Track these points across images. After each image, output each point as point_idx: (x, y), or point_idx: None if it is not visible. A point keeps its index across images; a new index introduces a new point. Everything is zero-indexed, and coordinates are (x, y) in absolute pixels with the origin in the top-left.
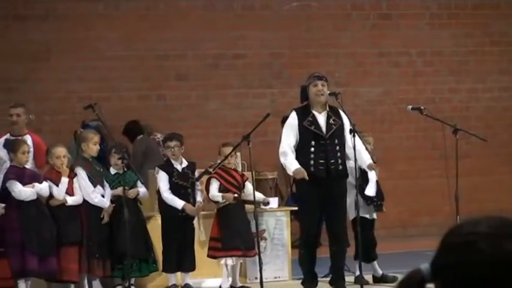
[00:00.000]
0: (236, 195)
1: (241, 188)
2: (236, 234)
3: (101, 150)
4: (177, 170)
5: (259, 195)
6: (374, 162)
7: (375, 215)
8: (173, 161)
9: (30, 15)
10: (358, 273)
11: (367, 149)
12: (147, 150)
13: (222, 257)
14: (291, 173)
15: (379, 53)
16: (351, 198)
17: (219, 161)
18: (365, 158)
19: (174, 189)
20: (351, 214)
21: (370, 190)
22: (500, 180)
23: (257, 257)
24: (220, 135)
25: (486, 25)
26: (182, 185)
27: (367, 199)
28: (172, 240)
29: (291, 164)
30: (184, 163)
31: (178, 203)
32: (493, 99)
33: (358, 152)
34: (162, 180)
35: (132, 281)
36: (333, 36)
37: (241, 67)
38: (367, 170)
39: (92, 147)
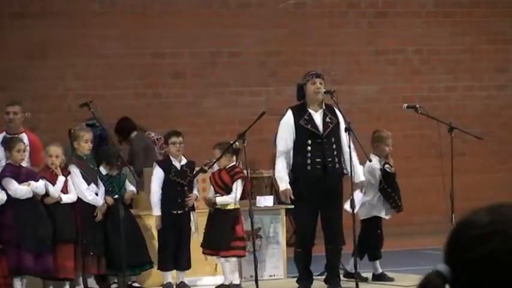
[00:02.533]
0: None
1: (228, 189)
2: (211, 235)
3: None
4: (175, 167)
5: (221, 199)
6: (388, 164)
7: (389, 216)
8: (172, 158)
9: (26, 12)
10: (352, 269)
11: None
12: (146, 148)
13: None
14: (279, 187)
15: (375, 51)
16: (369, 196)
17: (214, 160)
18: (357, 173)
19: (170, 186)
20: (366, 212)
21: (347, 205)
22: (495, 179)
23: (252, 255)
24: (216, 133)
25: (482, 23)
26: (179, 183)
27: (392, 201)
28: (167, 238)
29: (281, 180)
30: (184, 161)
31: (155, 211)
32: (489, 98)
33: (353, 165)
34: (155, 177)
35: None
36: (329, 34)
37: (237, 65)
38: (355, 186)
39: (83, 145)
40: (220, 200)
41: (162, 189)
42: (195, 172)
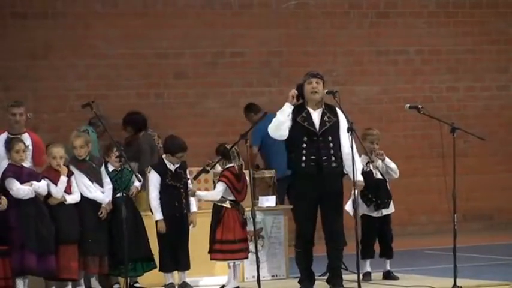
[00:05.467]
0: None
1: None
2: None
3: None
4: (170, 170)
5: (200, 193)
6: (372, 161)
7: (383, 212)
8: (167, 162)
9: (28, 13)
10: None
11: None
12: (152, 147)
13: None
14: (286, 114)
15: (377, 51)
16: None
17: (216, 160)
18: (357, 173)
19: (167, 190)
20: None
21: (349, 206)
22: (497, 179)
23: (255, 255)
24: (219, 133)
25: (484, 23)
26: (175, 186)
27: (366, 200)
28: (167, 239)
29: (280, 111)
30: (178, 163)
31: (157, 215)
32: (491, 98)
33: (354, 165)
34: (153, 182)
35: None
36: (331, 34)
37: (240, 65)
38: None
39: (75, 152)
40: (199, 193)
41: (160, 193)
42: (197, 173)
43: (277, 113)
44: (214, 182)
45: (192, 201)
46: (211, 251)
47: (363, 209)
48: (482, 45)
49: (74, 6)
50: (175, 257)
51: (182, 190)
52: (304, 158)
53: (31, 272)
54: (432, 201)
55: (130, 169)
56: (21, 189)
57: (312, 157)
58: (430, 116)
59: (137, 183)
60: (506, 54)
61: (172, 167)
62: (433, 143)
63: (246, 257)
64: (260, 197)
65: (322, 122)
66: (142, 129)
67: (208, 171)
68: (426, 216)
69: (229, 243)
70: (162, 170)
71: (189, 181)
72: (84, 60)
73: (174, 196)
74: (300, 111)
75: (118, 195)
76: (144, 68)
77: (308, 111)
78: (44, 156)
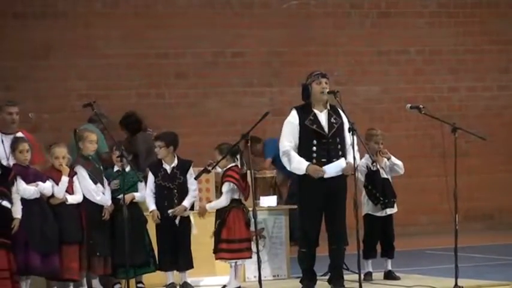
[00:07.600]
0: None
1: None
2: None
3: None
4: (164, 170)
5: (210, 205)
6: (374, 162)
7: (387, 211)
8: (163, 161)
9: (29, 13)
10: (389, 268)
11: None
12: (148, 147)
13: None
14: (302, 172)
15: (378, 51)
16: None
17: (216, 160)
18: (355, 159)
19: (158, 190)
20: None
21: (329, 169)
22: (498, 179)
23: (256, 255)
24: (219, 133)
25: (485, 24)
26: (165, 186)
27: (374, 199)
28: (163, 239)
29: (300, 163)
30: (175, 162)
31: (150, 207)
32: (492, 98)
33: (355, 158)
34: (148, 180)
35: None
36: (332, 34)
37: (240, 65)
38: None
39: (88, 146)
40: (209, 206)
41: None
42: (198, 173)
43: (295, 164)
44: (217, 185)
45: (187, 198)
46: (216, 250)
47: (367, 208)
48: (483, 45)
49: (75, 6)
50: (174, 256)
51: (175, 191)
52: (314, 161)
53: (35, 272)
54: (433, 201)
55: (135, 171)
56: (27, 190)
57: (323, 160)
58: (431, 116)
59: (137, 194)
60: (507, 54)
61: (167, 167)
62: (434, 143)
63: (250, 257)
64: (261, 197)
65: (330, 124)
66: (137, 130)
67: (209, 171)
68: (427, 216)
69: (235, 243)
70: (155, 169)
71: (191, 182)
72: (85, 60)
73: (164, 196)
74: (306, 114)
75: (120, 196)
76: (145, 68)
77: (315, 113)
78: (40, 153)
